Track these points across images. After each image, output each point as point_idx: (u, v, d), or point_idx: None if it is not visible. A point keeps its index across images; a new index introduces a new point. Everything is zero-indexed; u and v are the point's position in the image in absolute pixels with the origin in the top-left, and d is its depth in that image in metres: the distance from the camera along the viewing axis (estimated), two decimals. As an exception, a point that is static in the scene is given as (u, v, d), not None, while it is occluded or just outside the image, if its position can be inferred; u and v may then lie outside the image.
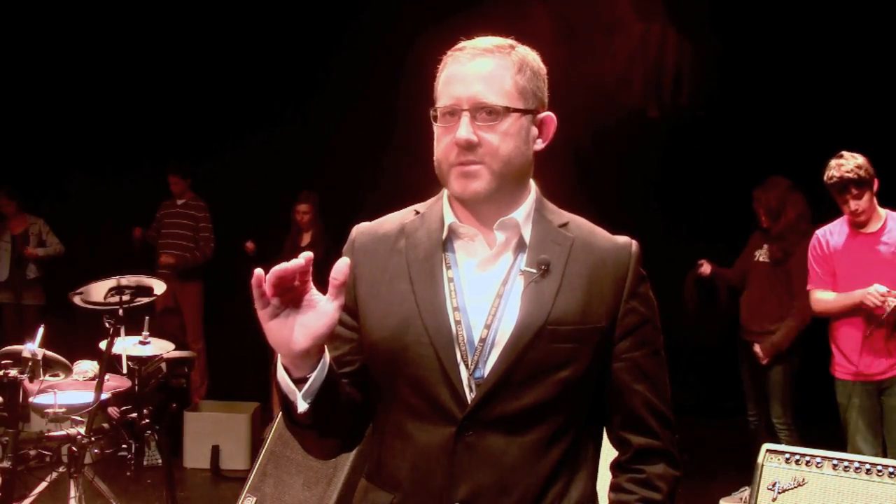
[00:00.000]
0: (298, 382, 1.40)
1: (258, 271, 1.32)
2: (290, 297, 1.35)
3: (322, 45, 6.86)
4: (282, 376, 1.42)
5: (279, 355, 1.41)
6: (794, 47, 6.31)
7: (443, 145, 1.52)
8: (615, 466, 1.60)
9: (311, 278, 1.36)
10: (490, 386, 1.48)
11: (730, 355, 5.23)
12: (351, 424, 1.58)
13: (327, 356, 1.42)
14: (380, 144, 6.61)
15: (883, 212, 4.08)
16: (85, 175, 7.17)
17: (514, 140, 1.51)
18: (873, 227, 4.06)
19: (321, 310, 1.36)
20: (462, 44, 1.56)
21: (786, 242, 4.80)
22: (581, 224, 1.61)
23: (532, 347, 1.48)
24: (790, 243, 4.77)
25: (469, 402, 1.48)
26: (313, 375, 1.40)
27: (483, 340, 1.50)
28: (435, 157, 1.55)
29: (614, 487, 1.58)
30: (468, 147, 1.48)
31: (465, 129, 1.48)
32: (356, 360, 1.59)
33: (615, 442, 1.60)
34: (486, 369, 1.49)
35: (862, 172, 3.96)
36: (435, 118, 1.54)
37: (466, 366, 1.49)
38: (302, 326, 1.36)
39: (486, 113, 1.49)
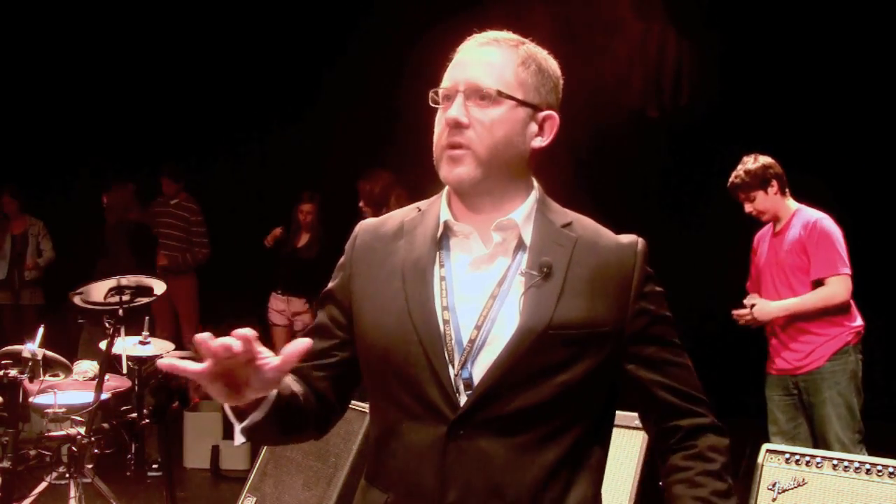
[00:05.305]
0: (240, 413, 1.42)
1: (202, 336, 1.29)
2: (233, 366, 1.32)
3: (323, 47, 6.86)
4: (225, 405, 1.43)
5: None
6: (793, 47, 6.31)
7: (438, 127, 1.52)
8: (664, 452, 1.56)
9: (259, 357, 1.32)
10: (485, 388, 1.45)
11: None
12: (309, 422, 1.57)
13: (272, 394, 1.42)
14: (381, 146, 6.60)
15: (792, 210, 4.03)
16: (86, 175, 7.17)
17: (505, 128, 1.48)
18: (779, 227, 4.07)
19: (263, 377, 1.34)
20: (473, 35, 1.56)
21: None
22: (585, 224, 1.58)
23: (532, 352, 1.45)
24: None
25: (459, 402, 1.46)
26: (253, 416, 1.41)
27: (472, 341, 1.47)
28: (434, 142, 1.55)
29: (670, 470, 1.54)
30: (456, 126, 1.47)
31: (455, 109, 1.48)
32: (337, 355, 1.59)
33: (660, 435, 1.56)
34: (475, 370, 1.46)
35: (743, 177, 3.98)
36: (436, 102, 1.54)
37: (453, 365, 1.47)
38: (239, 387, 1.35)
39: (480, 97, 1.48)
